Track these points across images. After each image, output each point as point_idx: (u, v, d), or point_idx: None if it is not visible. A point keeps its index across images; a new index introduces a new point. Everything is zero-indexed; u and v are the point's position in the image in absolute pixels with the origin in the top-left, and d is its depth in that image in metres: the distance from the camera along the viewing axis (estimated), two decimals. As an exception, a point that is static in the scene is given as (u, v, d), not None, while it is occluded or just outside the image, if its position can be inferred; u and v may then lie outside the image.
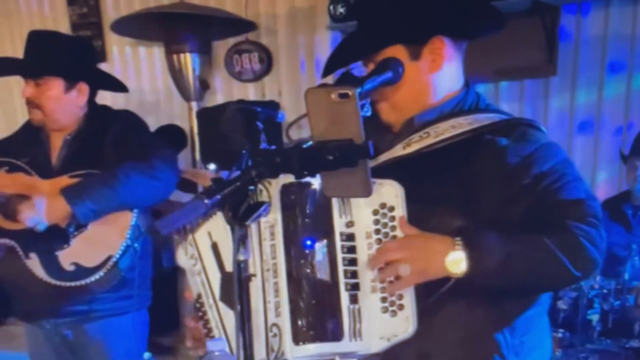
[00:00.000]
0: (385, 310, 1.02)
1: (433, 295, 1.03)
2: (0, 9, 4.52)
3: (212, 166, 2.92)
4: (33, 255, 1.82)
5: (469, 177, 1.05)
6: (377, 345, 1.02)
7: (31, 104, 1.87)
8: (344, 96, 0.85)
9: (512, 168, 1.05)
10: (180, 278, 3.71)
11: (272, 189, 1.02)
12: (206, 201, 0.86)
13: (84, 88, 1.89)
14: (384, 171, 1.05)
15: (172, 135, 3.63)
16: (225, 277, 1.12)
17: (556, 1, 2.70)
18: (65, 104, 1.87)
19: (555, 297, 2.31)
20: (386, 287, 1.02)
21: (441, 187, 1.06)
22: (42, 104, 1.85)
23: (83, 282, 1.79)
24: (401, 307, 1.01)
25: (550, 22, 2.75)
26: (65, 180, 1.81)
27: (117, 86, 2.12)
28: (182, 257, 1.22)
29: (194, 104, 3.63)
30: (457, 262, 0.98)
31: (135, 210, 1.84)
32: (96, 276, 1.79)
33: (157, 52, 3.96)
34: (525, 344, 1.10)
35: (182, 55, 3.46)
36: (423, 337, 1.02)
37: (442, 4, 1.14)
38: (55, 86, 1.85)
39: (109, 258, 1.80)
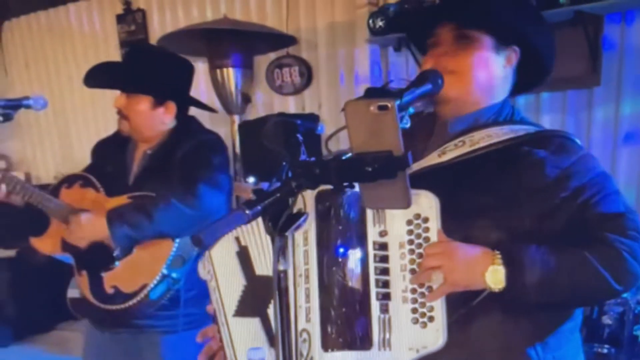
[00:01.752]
0: (415, 321, 1.01)
1: (465, 306, 1.02)
2: (54, 28, 4.74)
3: (251, 179, 2.96)
4: (84, 272, 1.86)
5: (506, 188, 1.04)
6: (406, 356, 1.01)
7: (121, 114, 1.91)
8: (383, 108, 0.85)
9: (550, 180, 1.04)
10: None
11: (307, 196, 1.03)
12: (247, 212, 0.87)
13: (171, 106, 1.91)
14: (419, 179, 1.05)
15: None
16: (253, 282, 1.13)
17: (599, 10, 2.64)
18: (151, 120, 1.90)
19: (600, 312, 2.24)
20: (417, 297, 1.01)
21: (478, 198, 1.05)
22: (130, 116, 1.89)
23: (118, 307, 1.80)
24: (432, 318, 1.00)
25: (593, 32, 2.69)
26: (123, 200, 1.84)
27: (205, 107, 2.14)
28: (202, 271, 1.25)
29: (236, 117, 3.69)
30: (496, 276, 0.97)
31: (177, 240, 1.81)
32: (129, 303, 1.79)
33: (201, 67, 4.05)
34: None
35: (225, 70, 3.53)
36: (454, 349, 1.01)
37: (528, 18, 1.17)
38: (143, 102, 1.88)
39: (144, 286, 1.80)
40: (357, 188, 0.98)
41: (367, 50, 3.40)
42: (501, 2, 1.15)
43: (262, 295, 1.12)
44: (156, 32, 4.16)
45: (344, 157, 0.92)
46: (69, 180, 1.99)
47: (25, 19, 4.88)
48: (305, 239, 1.04)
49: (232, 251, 1.16)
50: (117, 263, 1.83)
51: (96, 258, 1.83)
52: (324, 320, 1.02)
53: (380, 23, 3.06)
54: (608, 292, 1.01)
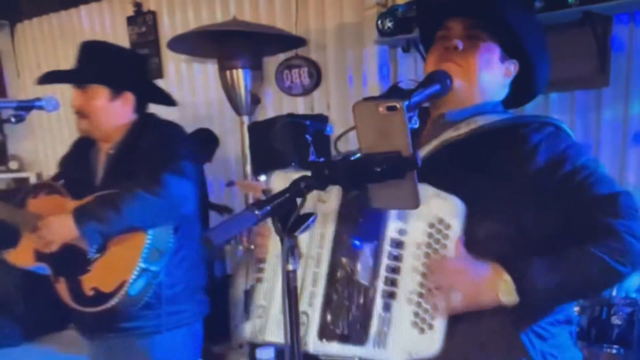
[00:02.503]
0: (415, 325, 1.01)
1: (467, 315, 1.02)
2: (65, 29, 4.78)
3: (262, 177, 2.96)
4: (62, 279, 1.82)
5: (503, 169, 1.06)
6: (398, 357, 1.01)
7: (79, 113, 1.87)
8: (391, 109, 0.86)
9: (546, 163, 1.06)
10: (231, 289, 3.78)
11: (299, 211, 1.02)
12: (257, 212, 0.87)
13: (129, 97, 1.88)
14: (434, 158, 1.08)
15: (204, 138, 3.74)
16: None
17: (608, 11, 2.63)
18: (110, 113, 1.86)
19: (609, 312, 2.22)
20: (422, 302, 1.01)
21: (476, 176, 1.06)
22: (88, 112, 1.84)
23: (99, 308, 1.75)
24: (431, 326, 1.00)
25: (601, 32, 2.68)
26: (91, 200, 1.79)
27: (167, 100, 2.09)
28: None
29: (245, 118, 3.71)
30: (509, 294, 0.99)
31: (150, 232, 1.76)
32: (112, 302, 1.74)
33: (211, 69, 4.08)
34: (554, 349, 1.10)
35: (234, 71, 3.55)
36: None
37: (536, 38, 1.20)
38: (100, 94, 1.84)
39: (124, 283, 1.74)
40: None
41: (376, 51, 3.40)
42: (516, 14, 1.17)
43: None
44: (166, 33, 4.19)
45: (352, 158, 0.92)
46: (34, 190, 1.96)
47: (37, 21, 4.93)
48: (324, 222, 1.04)
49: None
50: (92, 265, 1.78)
51: (71, 263, 1.79)
52: (325, 308, 1.02)
53: (388, 24, 3.06)
54: (617, 279, 1.02)
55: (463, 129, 1.13)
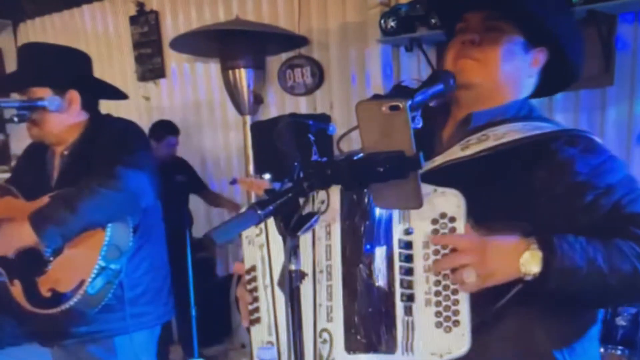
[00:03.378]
0: (439, 325, 0.96)
1: (492, 307, 0.97)
2: (68, 29, 4.79)
3: (267, 175, 2.96)
4: (16, 281, 1.76)
5: (538, 182, 1.01)
6: None
7: (28, 120, 1.79)
8: (394, 108, 0.85)
9: (581, 178, 1.01)
10: (233, 289, 3.78)
11: (332, 189, 0.99)
12: (259, 212, 0.86)
13: (74, 96, 1.80)
14: (441, 173, 1.03)
15: (163, 128, 3.73)
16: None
17: (612, 10, 2.62)
18: (58, 115, 1.78)
19: (613, 313, 2.21)
20: (441, 300, 0.96)
21: (504, 194, 1.01)
22: (34, 117, 1.77)
23: (58, 309, 1.68)
24: (457, 322, 0.95)
25: (606, 31, 2.67)
26: (45, 201, 1.73)
27: (116, 94, 2.01)
28: None
29: (248, 118, 3.71)
30: (532, 260, 0.92)
31: (109, 228, 1.70)
32: (70, 302, 1.67)
33: (214, 68, 4.08)
34: None
35: (237, 70, 3.55)
36: (479, 353, 0.96)
37: (562, 20, 1.14)
38: (43, 96, 1.76)
39: (82, 282, 1.68)
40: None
41: (379, 50, 3.39)
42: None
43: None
44: (169, 33, 4.19)
45: (355, 157, 0.92)
46: None
47: (40, 21, 4.94)
48: (328, 233, 1.00)
49: None
50: (49, 266, 1.72)
51: (27, 265, 1.74)
52: (348, 320, 0.98)
53: (392, 23, 3.05)
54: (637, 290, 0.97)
55: (489, 142, 1.06)
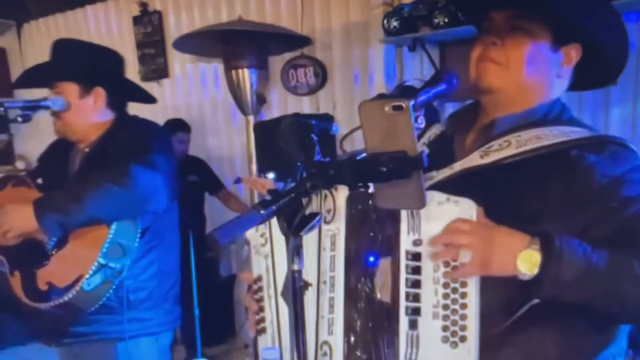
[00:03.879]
0: (445, 339, 0.93)
1: (503, 324, 0.95)
2: (71, 30, 4.80)
3: (270, 175, 2.96)
4: (17, 272, 1.74)
5: (553, 195, 0.97)
6: None
7: (54, 114, 1.81)
8: (397, 108, 0.85)
9: (599, 188, 0.96)
10: (236, 289, 3.78)
11: (338, 197, 0.98)
12: (262, 212, 0.87)
13: (100, 93, 1.80)
14: (460, 180, 1.00)
15: (173, 125, 3.72)
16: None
17: (616, 9, 2.61)
18: (81, 111, 1.79)
19: None
20: (449, 314, 0.93)
21: (521, 204, 0.98)
22: (59, 112, 1.78)
23: (51, 303, 1.64)
24: (464, 338, 0.92)
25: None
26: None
27: (144, 97, 2.01)
28: (252, 231, 1.12)
29: (251, 118, 3.71)
30: (529, 261, 0.90)
31: (114, 226, 1.66)
32: (65, 297, 1.63)
33: (217, 68, 4.08)
34: None
35: (240, 70, 3.55)
36: None
37: (594, 10, 1.07)
38: (69, 91, 1.77)
39: (79, 278, 1.63)
40: (372, 189, 0.95)
41: (382, 50, 3.39)
42: None
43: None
44: (172, 33, 4.19)
45: (358, 158, 0.92)
46: (2, 182, 1.91)
47: (43, 21, 4.95)
48: (332, 244, 0.98)
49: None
50: (50, 256, 1.69)
51: (29, 256, 1.72)
52: (348, 334, 0.97)
53: (395, 23, 3.05)
54: None
55: (511, 149, 1.01)
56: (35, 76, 1.89)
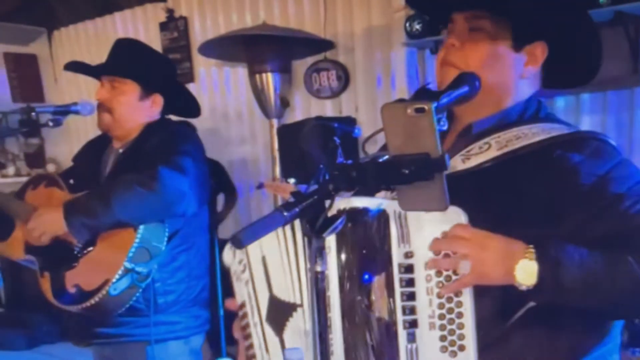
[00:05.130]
0: (444, 349, 0.93)
1: (500, 328, 0.96)
2: (101, 36, 4.90)
3: (292, 180, 2.98)
4: (46, 273, 1.76)
5: (538, 197, 0.97)
6: None
7: (102, 107, 1.83)
8: (420, 111, 0.84)
9: (587, 188, 0.96)
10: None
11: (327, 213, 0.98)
12: (285, 214, 0.87)
13: (158, 100, 1.85)
14: (463, 180, 1.00)
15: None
16: (273, 300, 1.06)
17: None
18: (136, 112, 1.83)
19: None
20: (445, 324, 0.93)
21: (508, 208, 0.98)
22: (113, 107, 1.81)
23: (78, 306, 1.66)
24: (462, 347, 0.93)
25: (634, 32, 2.62)
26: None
27: (192, 109, 2.02)
28: (229, 257, 1.13)
29: (274, 121, 3.74)
30: (527, 272, 0.90)
31: (141, 230, 1.67)
32: (91, 301, 1.64)
33: (241, 73, 4.12)
34: None
35: (264, 75, 3.58)
36: None
37: (557, 7, 1.06)
38: (130, 91, 1.82)
39: (106, 282, 1.64)
40: (376, 201, 0.95)
41: (404, 53, 3.39)
42: None
43: (278, 319, 1.04)
44: (197, 38, 4.24)
45: (381, 160, 0.92)
46: (34, 182, 1.93)
47: (73, 28, 5.06)
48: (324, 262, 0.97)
49: (259, 253, 1.08)
50: (78, 258, 1.71)
51: (59, 258, 1.74)
52: (349, 353, 0.96)
53: (417, 26, 3.05)
54: None
55: (491, 151, 1.01)
56: (99, 66, 1.91)
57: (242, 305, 1.13)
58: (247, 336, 1.12)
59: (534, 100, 1.12)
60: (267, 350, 1.08)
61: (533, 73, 1.10)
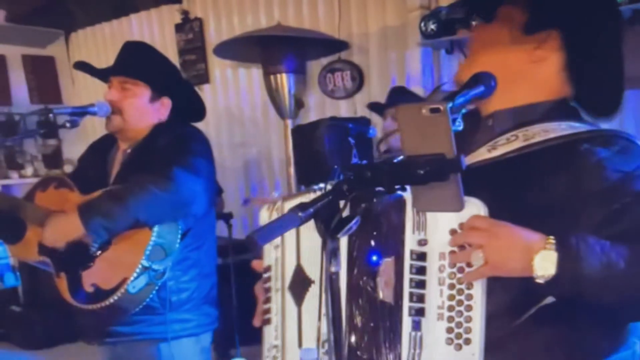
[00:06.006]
0: (450, 341, 0.92)
1: (509, 326, 0.94)
2: (117, 38, 4.95)
3: (275, 194, 2.97)
4: (62, 274, 1.76)
5: (562, 189, 0.95)
6: None
7: (114, 110, 1.82)
8: (435, 111, 0.84)
9: (611, 184, 0.94)
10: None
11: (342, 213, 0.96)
12: (300, 214, 0.87)
13: (167, 103, 1.86)
14: (467, 176, 0.96)
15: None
16: (298, 270, 1.06)
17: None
18: (146, 114, 1.84)
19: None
20: (454, 315, 0.91)
21: (530, 198, 0.96)
22: (124, 108, 1.81)
23: (97, 305, 1.67)
24: (468, 341, 0.91)
25: (653, 30, 2.58)
26: (98, 194, 1.73)
27: (199, 112, 2.04)
28: (265, 217, 1.12)
29: (289, 122, 3.75)
30: (547, 262, 0.87)
31: (156, 228, 1.68)
32: (110, 300, 1.66)
33: (256, 73, 4.14)
34: None
35: (278, 75, 3.59)
36: None
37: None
38: (141, 93, 1.82)
39: (124, 281, 1.66)
40: (407, 191, 0.94)
41: (419, 53, 3.38)
42: None
43: (299, 290, 1.05)
44: (212, 40, 4.27)
45: (395, 160, 0.92)
46: (43, 184, 1.93)
47: (90, 30, 5.13)
48: None
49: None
50: (94, 258, 1.72)
51: (74, 258, 1.74)
52: (349, 334, 0.96)
53: (432, 26, 3.04)
54: None
55: (518, 142, 1.00)
56: (114, 67, 1.92)
57: (268, 269, 1.12)
58: (267, 300, 1.12)
59: (567, 105, 1.11)
60: (283, 317, 1.08)
61: (544, 57, 1.07)
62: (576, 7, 1.04)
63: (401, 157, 0.90)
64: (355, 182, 0.90)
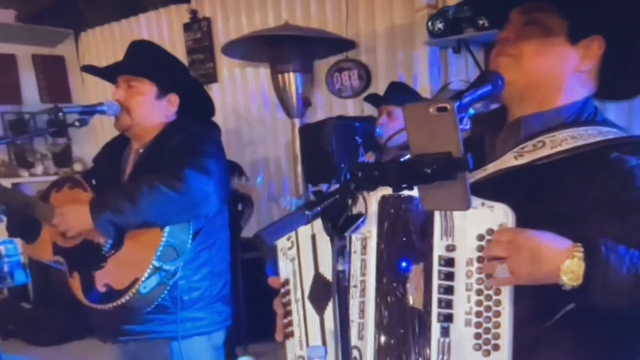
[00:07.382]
0: (478, 347, 0.91)
1: (536, 331, 0.93)
2: (126, 37, 4.98)
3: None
4: (75, 273, 1.77)
5: (591, 197, 0.94)
6: None
7: (123, 109, 1.82)
8: (442, 110, 0.83)
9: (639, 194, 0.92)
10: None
11: (370, 200, 0.97)
12: (307, 212, 0.87)
13: (174, 100, 1.85)
14: (494, 183, 0.99)
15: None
16: (318, 278, 1.07)
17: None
18: (154, 111, 1.83)
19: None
20: (482, 321, 0.91)
21: (558, 206, 0.95)
22: (131, 106, 1.81)
23: (110, 305, 1.68)
24: (496, 347, 0.91)
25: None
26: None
27: (208, 110, 2.03)
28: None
29: (296, 121, 3.76)
30: (573, 272, 0.86)
31: (167, 228, 1.69)
32: (122, 300, 1.67)
33: (263, 73, 4.15)
34: None
35: (286, 74, 3.61)
36: None
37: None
38: (147, 91, 1.82)
39: (136, 281, 1.66)
40: (416, 191, 0.94)
41: (426, 52, 3.37)
42: None
43: (321, 298, 1.05)
44: (221, 39, 4.29)
45: (403, 159, 0.92)
46: (58, 184, 1.94)
47: (100, 29, 5.15)
48: (363, 247, 0.98)
49: (309, 231, 1.07)
50: (106, 258, 1.72)
51: (86, 258, 1.75)
52: (379, 340, 0.95)
53: (439, 25, 3.04)
54: None
55: (545, 149, 0.99)
56: (115, 66, 1.93)
57: (286, 282, 1.13)
58: (288, 313, 1.12)
59: (590, 104, 1.08)
60: (305, 328, 1.08)
61: (588, 69, 1.06)
62: (617, 11, 1.03)
63: (408, 155, 0.90)
64: (363, 181, 0.90)
